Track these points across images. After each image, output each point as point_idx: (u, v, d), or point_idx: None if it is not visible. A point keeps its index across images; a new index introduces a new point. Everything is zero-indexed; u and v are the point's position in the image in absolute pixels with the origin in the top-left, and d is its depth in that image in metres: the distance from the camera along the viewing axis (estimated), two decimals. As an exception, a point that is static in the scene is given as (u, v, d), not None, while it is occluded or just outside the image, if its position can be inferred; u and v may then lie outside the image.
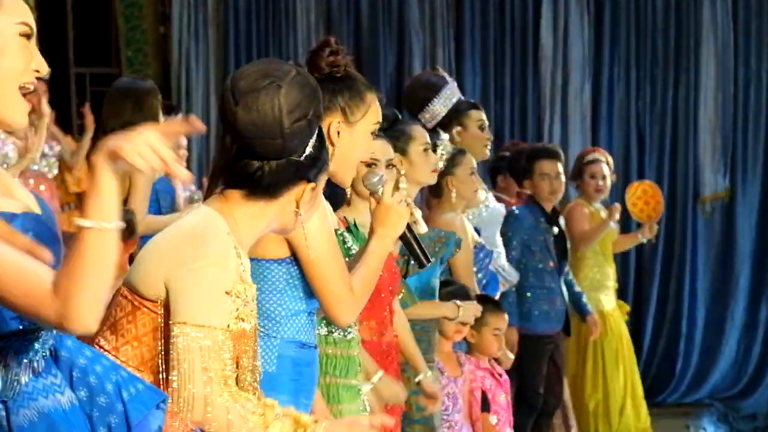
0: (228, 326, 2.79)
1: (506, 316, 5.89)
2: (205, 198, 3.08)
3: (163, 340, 2.82)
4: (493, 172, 8.45)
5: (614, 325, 8.04)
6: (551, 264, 6.92)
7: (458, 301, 5.17)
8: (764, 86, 10.28)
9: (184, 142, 7.71)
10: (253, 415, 2.76)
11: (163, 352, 2.82)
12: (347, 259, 3.56)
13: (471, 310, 5.21)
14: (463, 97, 6.40)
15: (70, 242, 2.28)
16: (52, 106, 7.70)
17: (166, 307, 2.81)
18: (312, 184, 2.98)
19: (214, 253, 2.81)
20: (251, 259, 3.16)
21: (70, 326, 2.25)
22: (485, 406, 5.68)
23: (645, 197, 8.46)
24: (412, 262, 4.82)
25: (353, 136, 3.56)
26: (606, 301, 8.00)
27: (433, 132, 6.08)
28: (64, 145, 8.45)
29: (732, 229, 10.30)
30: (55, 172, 7.94)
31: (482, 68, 10.21)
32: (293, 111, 2.88)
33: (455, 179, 5.73)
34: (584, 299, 7.50)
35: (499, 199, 6.95)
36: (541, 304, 6.82)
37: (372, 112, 3.59)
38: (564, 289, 7.09)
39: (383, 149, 4.30)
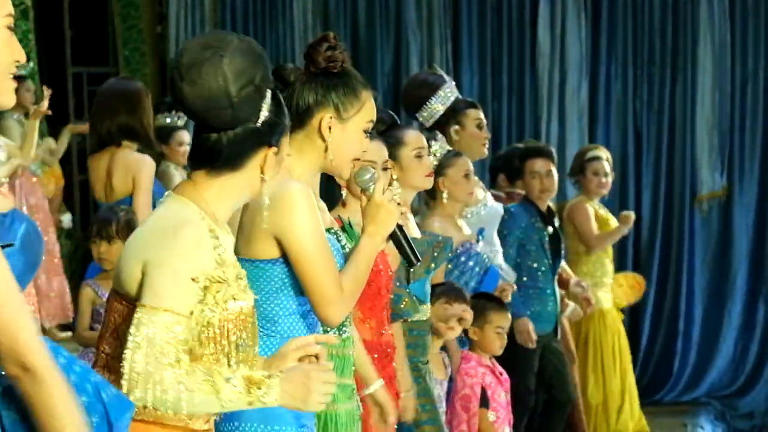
0: (191, 313, 2.79)
1: (509, 315, 5.89)
2: None
3: None
4: (492, 171, 8.45)
5: (612, 323, 8.05)
6: (546, 264, 6.91)
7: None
8: (761, 85, 10.27)
9: (187, 138, 7.71)
10: (202, 385, 2.73)
11: None
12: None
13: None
14: (460, 96, 6.40)
15: None
16: (48, 105, 7.73)
17: None
18: (273, 149, 2.95)
19: (181, 244, 2.80)
20: (245, 261, 3.17)
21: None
22: (484, 402, 5.69)
23: (633, 286, 8.49)
24: (410, 267, 4.83)
25: (345, 133, 3.54)
26: (605, 299, 8.01)
27: (429, 131, 6.08)
28: (44, 145, 8.52)
29: (729, 228, 10.30)
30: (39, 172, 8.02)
31: (479, 67, 10.21)
32: (238, 78, 2.85)
33: (447, 180, 5.72)
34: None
35: (497, 198, 6.94)
36: (532, 304, 6.80)
37: (366, 109, 3.57)
38: (557, 289, 7.04)
39: (379, 151, 4.28)
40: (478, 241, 5.93)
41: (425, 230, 5.40)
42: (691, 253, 10.26)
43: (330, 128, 3.52)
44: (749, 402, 9.99)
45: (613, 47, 10.25)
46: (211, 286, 2.81)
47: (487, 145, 6.33)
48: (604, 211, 8.13)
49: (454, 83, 6.35)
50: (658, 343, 10.21)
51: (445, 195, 5.72)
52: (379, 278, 4.06)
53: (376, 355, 4.18)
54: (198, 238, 2.83)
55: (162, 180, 6.98)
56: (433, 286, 5.28)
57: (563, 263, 7.31)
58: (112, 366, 2.86)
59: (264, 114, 2.91)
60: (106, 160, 5.76)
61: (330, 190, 4.18)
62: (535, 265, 6.89)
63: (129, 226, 5.11)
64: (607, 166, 8.02)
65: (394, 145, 4.78)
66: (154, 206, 5.97)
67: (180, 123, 7.85)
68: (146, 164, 5.74)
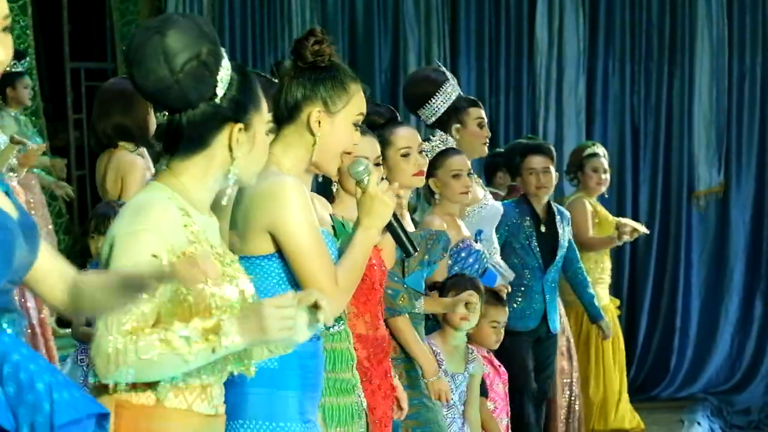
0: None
1: (506, 309, 5.89)
2: None
3: None
4: (488, 169, 8.45)
5: (610, 320, 8.05)
6: (534, 263, 6.88)
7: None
8: (758, 81, 10.27)
9: None
10: (158, 347, 2.71)
11: None
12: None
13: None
14: (462, 94, 6.38)
15: None
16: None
17: None
18: (239, 125, 2.92)
19: (145, 219, 2.80)
20: (241, 258, 3.17)
21: None
22: (483, 391, 5.69)
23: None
24: (407, 261, 4.84)
25: (334, 126, 3.53)
26: (603, 296, 8.01)
27: (431, 129, 6.09)
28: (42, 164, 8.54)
29: (726, 224, 10.30)
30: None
31: (477, 63, 10.22)
32: (179, 55, 2.82)
33: (438, 181, 5.72)
34: (596, 302, 7.46)
35: (494, 196, 6.94)
36: (517, 301, 6.78)
37: (355, 102, 3.56)
38: (544, 288, 6.99)
39: (372, 147, 4.26)
40: (476, 242, 5.92)
41: (423, 228, 5.41)
42: (688, 249, 10.27)
43: (319, 122, 3.52)
44: (746, 398, 10.00)
45: (610, 43, 10.26)
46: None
47: (487, 144, 6.33)
48: (601, 208, 8.14)
49: (455, 80, 6.34)
50: (655, 338, 10.22)
51: (437, 195, 5.73)
52: (373, 273, 4.06)
53: (371, 350, 4.18)
54: (161, 215, 2.82)
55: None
56: (441, 284, 5.33)
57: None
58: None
59: (221, 90, 2.88)
60: (105, 161, 5.78)
61: (325, 188, 4.19)
62: (520, 262, 6.87)
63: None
64: (605, 163, 8.03)
65: (381, 144, 4.78)
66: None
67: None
68: (135, 167, 5.72)
